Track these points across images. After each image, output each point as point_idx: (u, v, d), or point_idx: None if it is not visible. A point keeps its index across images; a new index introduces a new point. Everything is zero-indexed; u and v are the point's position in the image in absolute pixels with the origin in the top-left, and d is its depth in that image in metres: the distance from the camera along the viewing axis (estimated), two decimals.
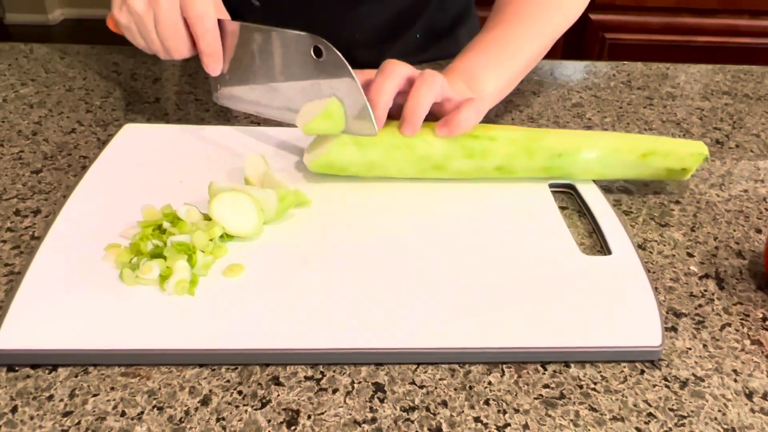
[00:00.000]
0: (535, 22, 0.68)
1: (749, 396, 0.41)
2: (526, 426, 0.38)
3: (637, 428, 0.39)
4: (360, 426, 0.38)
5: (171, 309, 0.44)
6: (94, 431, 0.37)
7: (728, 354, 0.44)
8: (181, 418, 0.38)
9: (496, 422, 0.39)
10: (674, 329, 0.46)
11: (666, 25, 1.83)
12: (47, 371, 0.41)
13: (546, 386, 0.41)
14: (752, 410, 0.40)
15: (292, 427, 0.38)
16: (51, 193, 0.58)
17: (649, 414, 0.39)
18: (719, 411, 0.40)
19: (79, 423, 0.37)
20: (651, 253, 0.53)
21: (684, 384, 0.42)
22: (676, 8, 1.81)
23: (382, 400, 0.40)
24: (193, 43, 0.59)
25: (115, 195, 0.55)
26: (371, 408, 0.39)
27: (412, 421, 0.38)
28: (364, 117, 0.54)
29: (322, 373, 0.41)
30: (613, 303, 0.46)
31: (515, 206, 0.56)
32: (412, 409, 0.39)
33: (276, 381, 0.41)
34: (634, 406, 0.40)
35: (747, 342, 0.45)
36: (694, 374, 0.42)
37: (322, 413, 0.39)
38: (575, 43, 1.86)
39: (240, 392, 0.40)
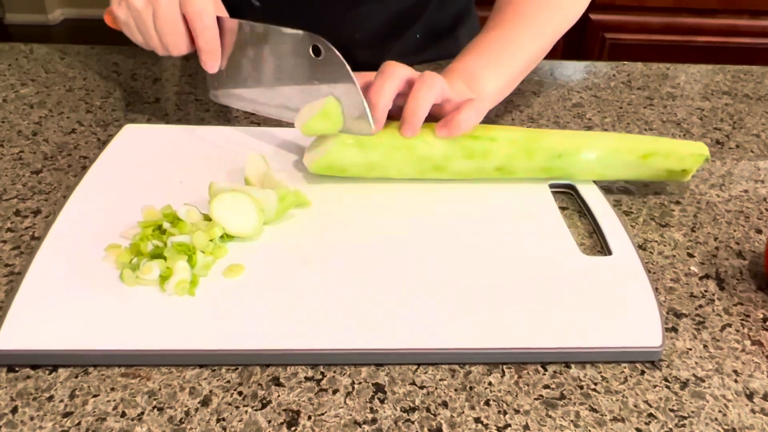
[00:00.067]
0: (535, 22, 0.67)
1: (750, 396, 0.41)
2: (526, 427, 0.38)
3: (637, 429, 0.39)
4: (360, 427, 0.38)
5: (171, 309, 0.44)
6: None
7: (729, 354, 0.44)
8: (181, 419, 0.38)
9: (496, 423, 0.39)
10: (674, 330, 0.46)
11: (666, 25, 1.83)
12: (47, 372, 0.41)
13: (546, 387, 0.41)
14: (753, 411, 0.40)
15: (293, 428, 0.38)
16: (51, 193, 0.58)
17: (650, 414, 0.39)
18: (720, 411, 0.40)
19: (79, 424, 0.37)
20: (651, 253, 0.53)
21: (684, 384, 0.42)
22: (676, 8, 1.81)
23: (382, 401, 0.40)
24: (192, 40, 0.59)
25: (115, 195, 0.55)
26: (371, 409, 0.39)
27: (413, 422, 0.38)
28: (362, 116, 0.54)
29: (322, 373, 0.41)
30: (613, 303, 0.46)
31: (515, 207, 0.56)
32: (413, 409, 0.39)
33: (276, 381, 0.41)
34: (635, 406, 0.40)
35: (747, 342, 0.45)
36: (694, 375, 0.42)
37: (323, 414, 0.39)
38: (575, 43, 1.86)
39: (240, 393, 0.40)
